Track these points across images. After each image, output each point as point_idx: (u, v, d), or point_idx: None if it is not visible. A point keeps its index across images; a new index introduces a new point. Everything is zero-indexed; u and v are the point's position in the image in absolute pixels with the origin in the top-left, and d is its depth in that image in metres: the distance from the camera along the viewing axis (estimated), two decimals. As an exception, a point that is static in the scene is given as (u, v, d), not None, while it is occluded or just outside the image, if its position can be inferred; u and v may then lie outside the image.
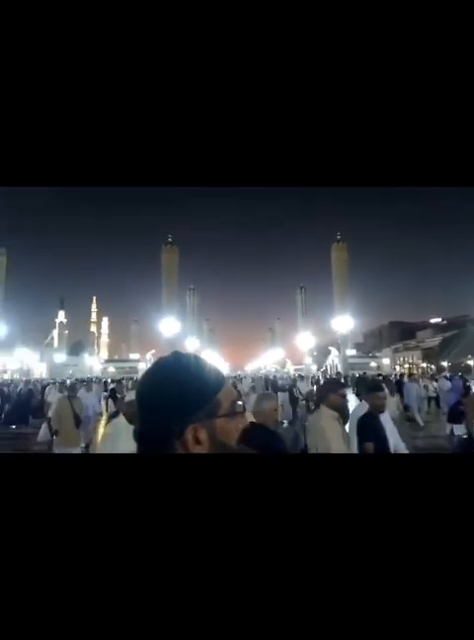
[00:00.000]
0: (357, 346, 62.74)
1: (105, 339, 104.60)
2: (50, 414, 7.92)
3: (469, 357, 36.86)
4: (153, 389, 0.74)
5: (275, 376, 25.02)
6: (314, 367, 59.62)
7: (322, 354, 62.59)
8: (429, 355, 45.88)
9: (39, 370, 56.55)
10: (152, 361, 0.83)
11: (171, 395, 0.71)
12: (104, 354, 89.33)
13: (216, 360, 73.85)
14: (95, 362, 61.25)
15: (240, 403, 0.79)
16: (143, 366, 66.88)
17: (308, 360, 59.29)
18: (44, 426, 8.45)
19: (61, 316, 74.94)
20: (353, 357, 52.36)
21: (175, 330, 46.46)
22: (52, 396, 8.72)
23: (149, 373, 0.77)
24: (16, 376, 49.83)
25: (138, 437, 0.73)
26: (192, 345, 52.19)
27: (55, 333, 69.38)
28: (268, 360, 78.14)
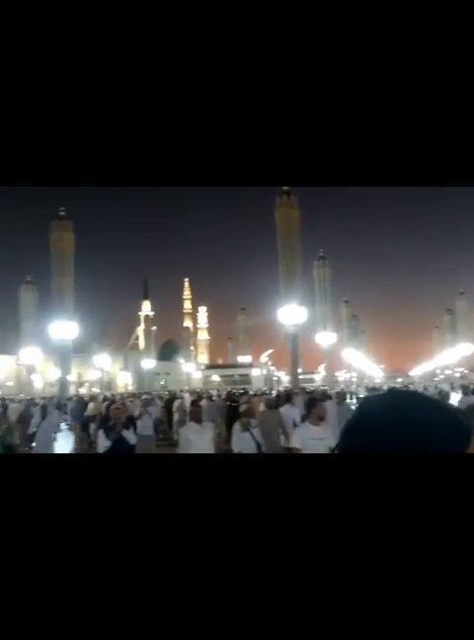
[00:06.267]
0: None
1: (203, 335, 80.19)
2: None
3: None
4: None
5: None
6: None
7: None
8: None
9: (124, 381, 45.46)
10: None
11: None
12: (203, 356, 70.58)
13: (364, 361, 54.17)
14: (192, 369, 47.21)
15: None
16: (258, 374, 48.67)
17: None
18: None
19: (146, 307, 61.80)
20: None
21: (300, 319, 30.89)
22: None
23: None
24: (94, 390, 38.55)
25: None
26: (326, 339, 36.49)
27: (140, 330, 54.71)
28: (446, 360, 54.15)
